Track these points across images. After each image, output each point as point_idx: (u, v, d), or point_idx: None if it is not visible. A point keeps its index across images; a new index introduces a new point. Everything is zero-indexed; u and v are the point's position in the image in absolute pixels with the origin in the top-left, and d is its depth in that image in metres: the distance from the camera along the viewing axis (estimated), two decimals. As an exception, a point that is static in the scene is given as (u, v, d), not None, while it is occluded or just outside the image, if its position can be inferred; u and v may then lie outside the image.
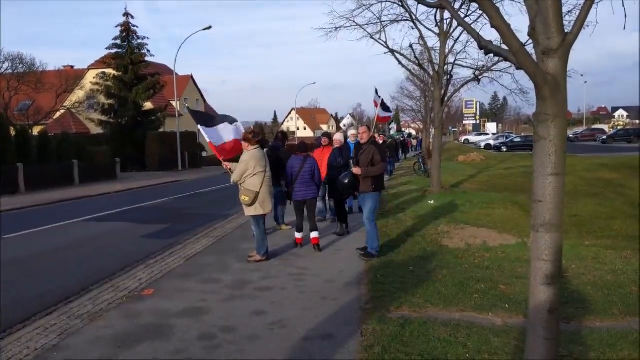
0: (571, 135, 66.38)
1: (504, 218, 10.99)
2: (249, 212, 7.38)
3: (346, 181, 7.54)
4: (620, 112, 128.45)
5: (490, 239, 8.74)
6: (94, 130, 37.11)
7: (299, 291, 5.84)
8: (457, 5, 12.67)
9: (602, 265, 6.74)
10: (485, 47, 3.22)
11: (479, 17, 12.91)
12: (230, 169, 7.55)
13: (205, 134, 7.79)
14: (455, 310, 5.04)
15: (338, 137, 10.07)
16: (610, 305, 5.15)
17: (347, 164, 7.83)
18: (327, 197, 10.68)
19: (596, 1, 2.87)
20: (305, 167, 8.15)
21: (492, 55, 3.82)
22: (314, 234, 8.15)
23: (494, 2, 2.93)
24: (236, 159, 7.59)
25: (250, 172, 7.19)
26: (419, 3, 11.54)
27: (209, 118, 8.64)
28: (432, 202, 13.29)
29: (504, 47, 3.15)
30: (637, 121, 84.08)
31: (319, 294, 5.71)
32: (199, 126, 7.87)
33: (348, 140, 10.80)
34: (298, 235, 8.39)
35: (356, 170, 7.31)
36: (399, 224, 10.25)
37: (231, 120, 8.30)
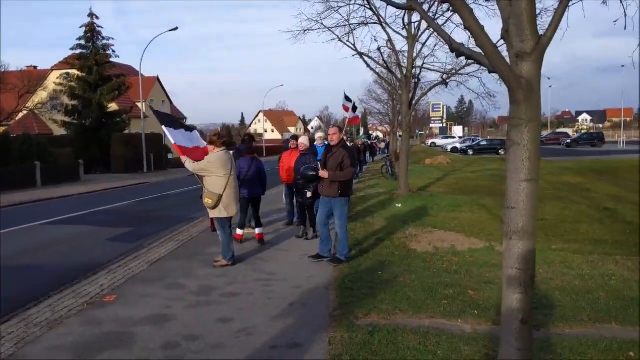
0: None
1: (472, 221, 11.04)
2: (214, 214, 7.20)
3: (310, 173, 7.37)
4: (584, 116, 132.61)
5: (458, 243, 8.75)
6: (57, 132, 36.00)
7: (267, 297, 5.68)
8: (426, 7, 12.70)
9: (569, 270, 6.79)
10: (457, 49, 3.14)
11: (447, 20, 13.01)
12: (185, 159, 7.29)
13: (169, 135, 7.56)
14: (425, 317, 4.96)
15: (303, 140, 9.60)
16: (579, 312, 5.16)
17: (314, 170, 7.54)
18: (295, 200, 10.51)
19: (570, 4, 2.82)
20: (252, 168, 8.62)
21: (460, 58, 3.78)
22: (258, 230, 8.77)
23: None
24: None
25: (209, 173, 7.00)
26: (387, 4, 11.54)
27: (173, 119, 8.48)
28: (400, 205, 13.30)
29: (476, 49, 3.10)
30: (600, 125, 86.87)
31: (286, 300, 5.56)
32: (163, 127, 7.63)
33: (315, 143, 10.55)
34: (239, 232, 8.75)
35: (323, 173, 7.08)
36: (367, 228, 10.18)
37: (191, 128, 8.24)
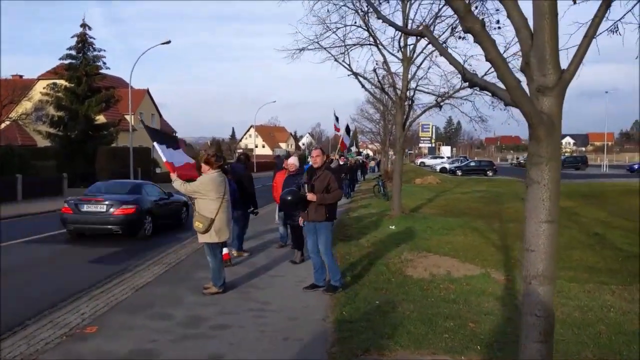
0: (522, 161, 68.60)
1: (465, 245, 10.90)
2: (203, 239, 6.92)
3: (289, 198, 7.07)
4: (567, 139, 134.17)
5: (453, 269, 8.59)
6: (41, 143, 35.37)
7: (259, 330, 5.41)
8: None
9: (567, 300, 6.65)
10: (470, 79, 3.00)
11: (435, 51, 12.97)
12: (175, 179, 7.05)
13: (161, 152, 7.34)
14: (427, 353, 4.75)
15: (292, 161, 9.28)
16: (583, 347, 4.99)
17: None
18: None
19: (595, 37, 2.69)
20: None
21: (455, 82, 3.63)
22: (225, 250, 8.21)
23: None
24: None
25: (201, 195, 6.76)
26: (399, 31, 11.50)
27: (165, 137, 8.26)
28: (394, 227, 13.13)
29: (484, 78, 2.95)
30: (583, 148, 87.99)
31: (281, 333, 5.31)
32: (155, 144, 7.41)
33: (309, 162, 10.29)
34: (225, 251, 8.34)
35: (310, 196, 6.82)
36: (361, 251, 9.98)
37: (176, 146, 7.96)
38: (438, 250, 10.11)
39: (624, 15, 3.98)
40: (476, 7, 7.66)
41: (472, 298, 6.89)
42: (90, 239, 12.31)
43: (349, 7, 13.27)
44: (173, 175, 7.05)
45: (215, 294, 6.91)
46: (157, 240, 12.15)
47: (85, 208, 11.98)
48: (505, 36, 15.63)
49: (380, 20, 3.73)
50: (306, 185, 6.93)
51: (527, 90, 2.76)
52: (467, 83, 3.11)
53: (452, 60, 3.22)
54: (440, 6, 11.93)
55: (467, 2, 2.54)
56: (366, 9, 12.35)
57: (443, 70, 14.46)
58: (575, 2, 3.67)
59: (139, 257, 10.01)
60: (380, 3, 12.35)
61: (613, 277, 8.06)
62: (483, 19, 2.62)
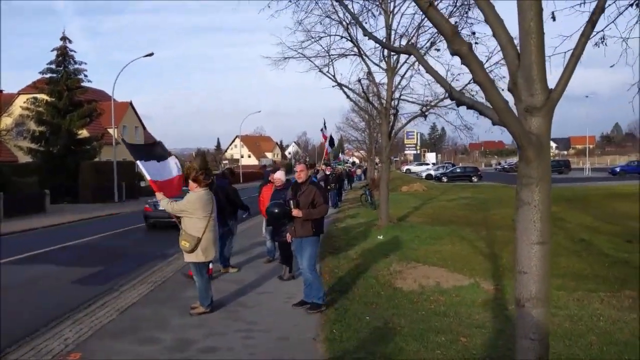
0: (506, 166, 69.26)
1: (453, 255, 10.90)
2: (189, 258, 6.79)
3: (275, 210, 7.02)
4: (550, 143, 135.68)
5: (442, 280, 8.58)
6: (22, 159, 34.77)
7: (249, 352, 5.30)
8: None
9: (557, 309, 6.63)
10: (457, 98, 2.98)
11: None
12: (162, 195, 6.93)
13: (144, 171, 7.21)
14: (419, 372, 4.69)
15: (279, 175, 9.07)
16: (575, 360, 4.98)
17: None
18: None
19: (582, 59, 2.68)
20: None
21: (438, 91, 3.62)
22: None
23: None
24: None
25: (188, 214, 6.66)
26: (386, 49, 11.50)
27: (147, 149, 7.99)
28: (382, 237, 13.11)
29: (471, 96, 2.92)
30: (565, 152, 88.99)
31: (271, 354, 5.21)
32: (137, 162, 7.27)
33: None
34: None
35: (296, 212, 6.73)
36: (350, 263, 9.93)
37: (162, 155, 7.76)
38: (427, 261, 10.10)
39: (608, 25, 3.98)
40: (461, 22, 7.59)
41: (462, 310, 6.86)
42: (74, 257, 12.10)
43: (332, 19, 13.30)
44: (159, 195, 6.93)
45: (203, 313, 6.77)
46: (142, 257, 11.96)
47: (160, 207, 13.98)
48: (487, 45, 15.80)
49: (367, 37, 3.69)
50: (291, 201, 6.83)
51: (515, 110, 2.73)
52: (454, 53, 3.02)
53: (438, 78, 3.20)
54: (422, 18, 11.98)
55: (454, 24, 2.51)
56: (349, 20, 12.36)
57: (427, 79, 14.52)
58: (554, 19, 3.68)
59: (123, 275, 9.81)
60: (367, 19, 12.41)
61: (601, 284, 8.10)
62: (470, 42, 2.58)
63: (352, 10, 9.48)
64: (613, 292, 7.52)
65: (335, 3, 11.96)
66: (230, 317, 6.71)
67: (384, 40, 12.46)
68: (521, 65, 2.60)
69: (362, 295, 7.55)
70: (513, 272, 2.77)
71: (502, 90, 2.94)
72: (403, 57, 13.60)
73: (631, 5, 3.67)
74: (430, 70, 3.20)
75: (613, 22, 3.49)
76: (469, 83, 11.82)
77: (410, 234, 13.53)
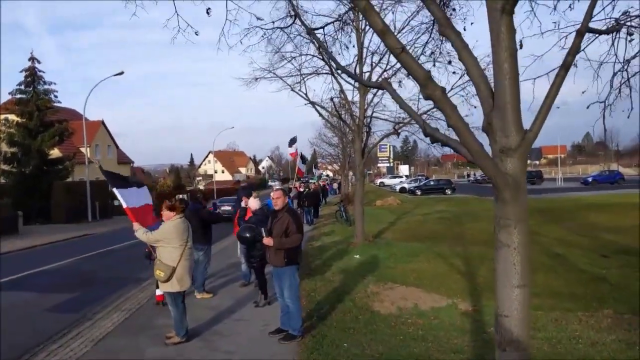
0: (478, 177, 70.21)
1: (430, 273, 10.94)
2: (164, 288, 6.64)
3: (246, 235, 6.98)
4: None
5: (420, 301, 8.57)
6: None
7: (226, 386, 5.17)
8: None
9: (536, 331, 6.65)
10: (431, 135, 2.95)
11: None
12: (138, 225, 6.80)
13: (120, 198, 7.11)
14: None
15: (252, 204, 8.66)
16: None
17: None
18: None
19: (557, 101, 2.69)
20: None
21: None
22: (158, 291, 8.21)
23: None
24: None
25: (167, 244, 6.51)
26: (361, 84, 11.55)
27: (123, 178, 8.00)
28: (358, 256, 13.06)
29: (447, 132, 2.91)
30: (537, 162, 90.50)
31: (248, 388, 5.08)
32: (114, 189, 7.17)
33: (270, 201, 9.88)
34: (158, 293, 8.30)
35: (267, 241, 6.57)
36: (327, 286, 9.82)
37: (139, 184, 7.79)
38: (404, 281, 10.09)
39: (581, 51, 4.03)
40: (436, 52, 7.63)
41: (441, 334, 6.84)
42: (47, 283, 11.69)
43: (303, 37, 13.31)
44: (135, 225, 6.80)
45: (179, 343, 6.62)
46: (116, 282, 11.64)
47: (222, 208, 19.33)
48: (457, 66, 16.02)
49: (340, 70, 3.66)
50: (263, 229, 6.71)
51: (490, 149, 2.72)
52: (427, 97, 2.99)
53: (413, 114, 3.19)
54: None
55: (427, 70, 2.49)
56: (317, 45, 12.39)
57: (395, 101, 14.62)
58: (521, 47, 3.71)
59: (97, 302, 9.51)
60: (339, 50, 12.49)
61: (578, 303, 8.18)
62: (444, 87, 2.56)
63: (324, 44, 9.46)
64: (591, 312, 7.58)
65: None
66: (207, 346, 6.55)
67: (356, 64, 12.59)
68: (495, 106, 2.60)
69: (339, 320, 7.46)
70: (491, 295, 2.74)
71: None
72: (376, 74, 13.73)
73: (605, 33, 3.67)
74: (404, 106, 3.18)
75: (583, 50, 3.53)
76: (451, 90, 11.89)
77: (387, 252, 13.52)
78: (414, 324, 7.32)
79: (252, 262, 8.10)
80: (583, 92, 4.07)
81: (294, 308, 6.66)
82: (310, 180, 36.62)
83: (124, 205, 7.06)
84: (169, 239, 6.49)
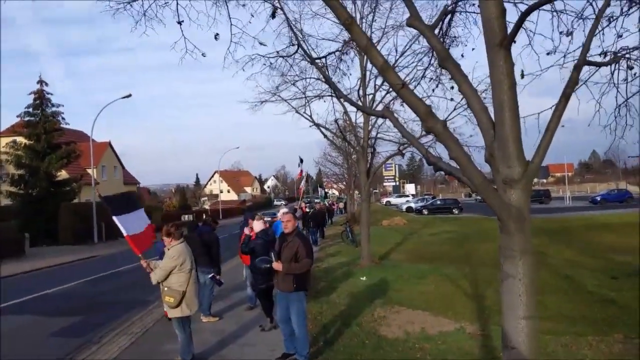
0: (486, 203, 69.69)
1: (438, 296, 10.86)
2: (174, 313, 6.61)
3: (264, 266, 6.83)
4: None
5: (427, 325, 8.48)
6: (2, 202, 34.21)
7: (232, 415, 5.12)
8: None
9: (545, 357, 6.55)
10: (434, 163, 2.97)
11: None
12: (149, 267, 6.80)
13: (121, 227, 7.08)
14: None
15: (256, 226, 8.36)
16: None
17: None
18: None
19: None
20: None
21: (416, 129, 3.65)
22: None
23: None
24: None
25: (177, 270, 6.50)
26: (365, 113, 11.66)
27: (123, 202, 7.88)
28: (364, 278, 12.99)
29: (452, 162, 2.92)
30: (544, 180, 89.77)
31: (254, 418, 5.03)
32: (114, 218, 7.14)
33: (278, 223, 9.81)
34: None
35: (276, 265, 6.50)
36: (333, 309, 9.76)
37: (135, 204, 7.68)
38: (411, 303, 10.00)
39: (579, 86, 4.06)
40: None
41: (449, 358, 6.75)
42: (53, 307, 11.67)
43: (307, 60, 13.44)
44: (143, 263, 6.81)
45: (185, 368, 6.59)
46: (122, 305, 11.61)
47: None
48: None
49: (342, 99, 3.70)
50: (273, 253, 6.68)
51: (494, 180, 2.73)
52: (428, 131, 3.02)
53: (414, 143, 3.21)
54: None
55: (427, 105, 2.52)
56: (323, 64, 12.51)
57: (403, 118, 14.71)
58: (522, 77, 3.74)
59: (103, 326, 9.51)
60: (340, 79, 12.63)
61: (589, 326, 8.04)
62: (445, 120, 2.59)
63: (326, 72, 9.54)
64: (602, 336, 7.45)
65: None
66: (212, 373, 6.50)
67: (359, 87, 12.68)
68: (497, 137, 2.62)
69: (346, 345, 7.40)
70: (499, 319, 2.71)
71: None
72: (378, 96, 13.83)
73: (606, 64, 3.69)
74: (406, 134, 3.21)
75: (584, 83, 3.55)
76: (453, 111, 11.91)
77: (394, 274, 13.45)
78: (421, 349, 7.24)
79: (258, 284, 8.02)
80: (588, 125, 4.08)
81: (300, 333, 6.59)
82: (315, 200, 36.65)
83: (124, 234, 7.03)
84: (179, 263, 6.48)
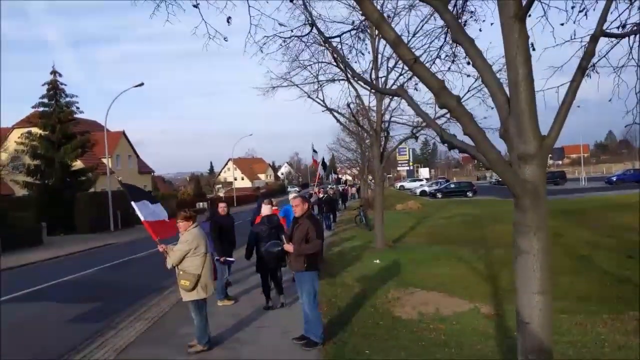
0: (500, 179, 69.34)
1: (451, 278, 10.84)
2: (189, 296, 6.68)
3: (275, 250, 7.09)
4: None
5: (441, 305, 8.49)
6: (18, 192, 34.76)
7: (249, 395, 5.19)
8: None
9: (560, 336, 6.54)
10: (448, 142, 2.95)
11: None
12: (165, 251, 6.87)
13: (138, 212, 7.17)
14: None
15: (264, 210, 8.73)
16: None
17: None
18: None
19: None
20: None
21: (430, 111, 3.62)
22: None
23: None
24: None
25: (191, 254, 6.58)
26: (378, 92, 11.57)
27: (142, 192, 8.06)
28: (378, 261, 13.02)
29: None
30: (560, 162, 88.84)
31: (271, 397, 5.10)
32: (132, 203, 7.23)
33: (289, 207, 9.89)
34: None
35: (288, 247, 6.68)
36: (347, 292, 9.80)
37: (154, 199, 7.84)
38: (425, 285, 10.01)
39: (600, 59, 3.97)
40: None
41: (463, 339, 6.77)
42: (71, 293, 11.88)
43: (320, 45, 13.38)
44: (160, 247, 6.87)
45: (201, 352, 6.67)
46: (138, 290, 11.78)
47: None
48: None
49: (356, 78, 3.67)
50: (283, 235, 6.85)
51: (509, 156, 2.71)
52: (442, 111, 3.02)
53: (429, 121, 3.18)
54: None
55: (440, 79, 2.49)
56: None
57: (417, 100, 14.58)
58: (533, 49, 3.67)
59: (119, 312, 9.65)
60: (356, 58, 12.51)
61: (604, 305, 8.01)
62: (459, 95, 2.56)
63: (340, 52, 9.50)
64: (617, 314, 7.42)
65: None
66: (229, 355, 6.59)
67: (371, 70, 12.57)
68: (512, 113, 2.58)
69: (360, 327, 7.44)
70: (514, 298, 2.71)
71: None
72: (391, 79, 13.71)
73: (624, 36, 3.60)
74: (420, 113, 3.18)
75: (605, 56, 3.49)
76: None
77: (407, 256, 13.45)
78: (435, 330, 7.26)
79: (269, 265, 8.33)
80: (610, 100, 3.99)
81: (312, 314, 6.69)
82: (329, 186, 36.68)
83: (142, 219, 7.13)
84: (194, 246, 6.55)
